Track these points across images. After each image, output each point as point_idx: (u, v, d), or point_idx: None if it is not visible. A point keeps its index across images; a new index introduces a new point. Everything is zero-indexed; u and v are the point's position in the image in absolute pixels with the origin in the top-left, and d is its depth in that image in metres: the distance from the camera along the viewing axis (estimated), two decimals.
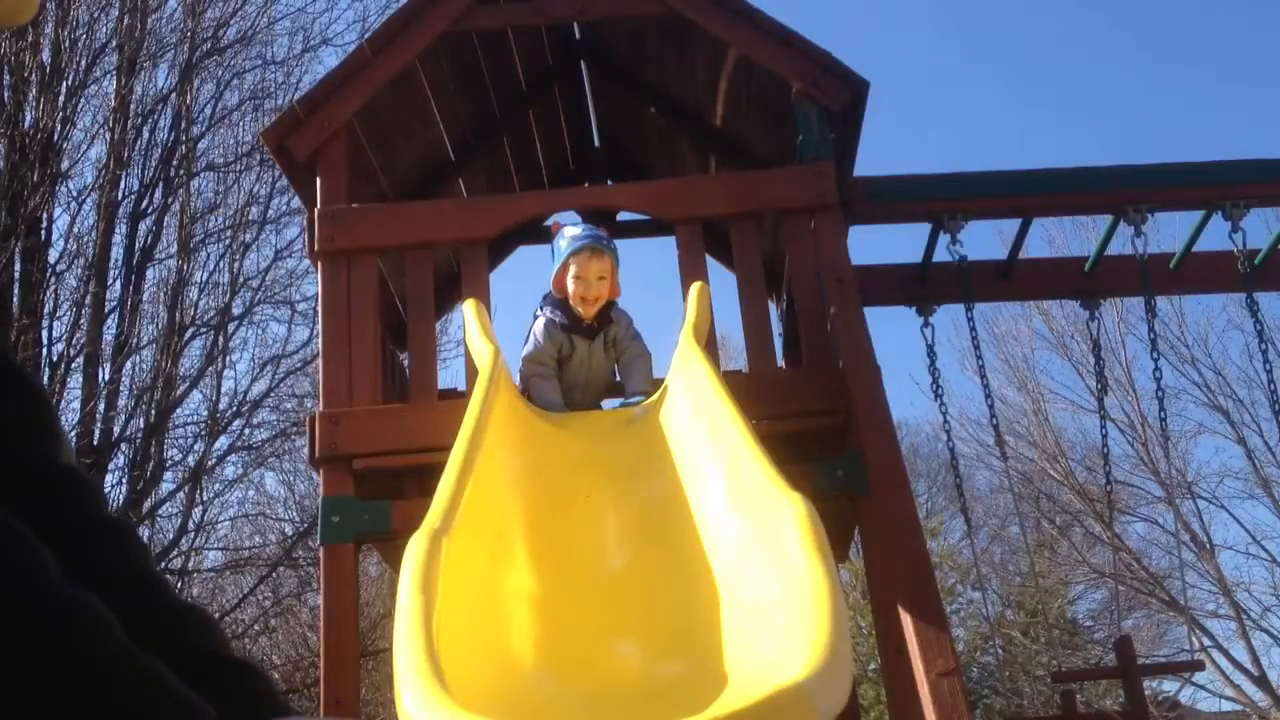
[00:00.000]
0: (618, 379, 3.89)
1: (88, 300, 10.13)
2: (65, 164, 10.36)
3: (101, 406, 9.70)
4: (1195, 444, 14.62)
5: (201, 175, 11.37)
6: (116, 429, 9.98)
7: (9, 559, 0.64)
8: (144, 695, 0.65)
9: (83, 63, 10.53)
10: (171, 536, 10.31)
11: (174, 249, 10.91)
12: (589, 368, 3.74)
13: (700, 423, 2.79)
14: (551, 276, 3.74)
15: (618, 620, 2.12)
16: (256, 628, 12.07)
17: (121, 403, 10.18)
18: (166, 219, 11.05)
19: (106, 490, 9.69)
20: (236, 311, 10.89)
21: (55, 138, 10.20)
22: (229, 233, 11.07)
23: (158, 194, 10.95)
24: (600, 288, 3.66)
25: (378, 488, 3.81)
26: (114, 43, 10.81)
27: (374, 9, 15.04)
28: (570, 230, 3.79)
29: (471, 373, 3.68)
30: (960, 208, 4.31)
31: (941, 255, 4.40)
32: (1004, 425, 10.95)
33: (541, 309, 3.75)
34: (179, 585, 10.26)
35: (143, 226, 10.85)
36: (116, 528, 0.87)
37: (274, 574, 11.58)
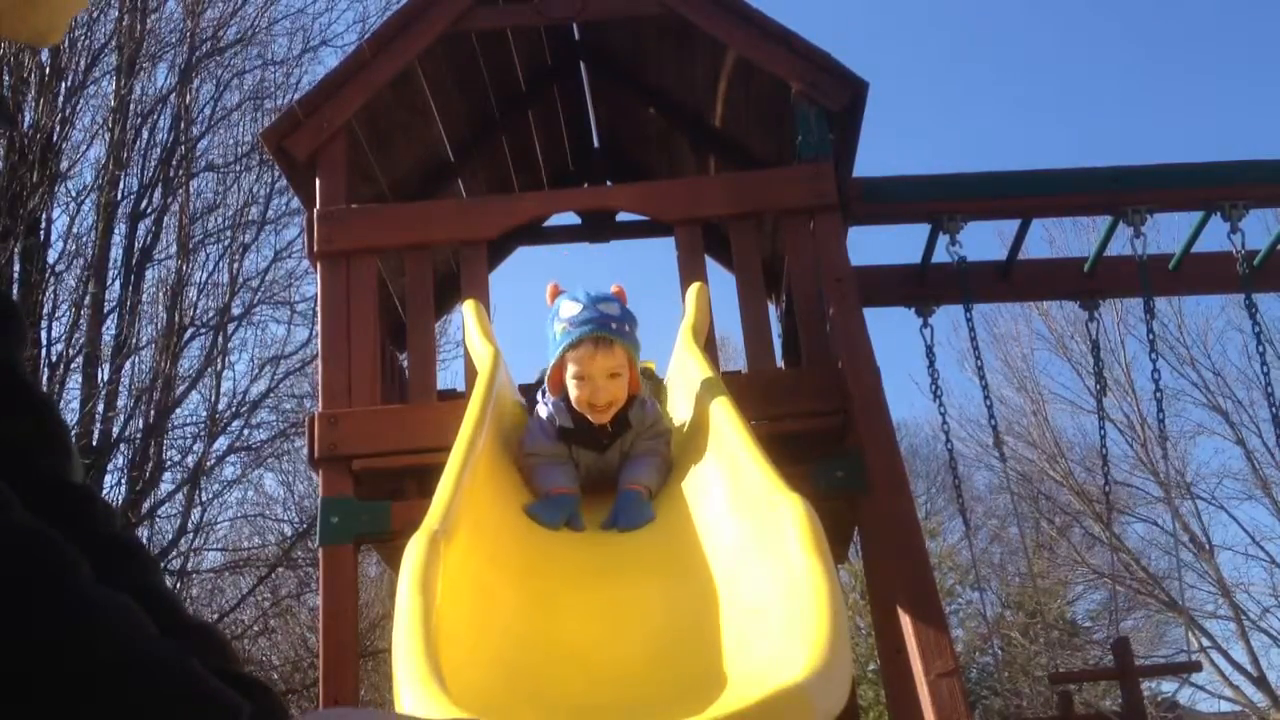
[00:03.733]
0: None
1: (87, 301, 10.14)
2: (64, 164, 10.37)
3: (100, 407, 9.70)
4: (1194, 445, 14.68)
5: (201, 175, 11.40)
6: (116, 429, 9.98)
7: (41, 559, 0.65)
8: (179, 691, 0.66)
9: (82, 63, 10.54)
10: (170, 537, 10.32)
11: (173, 249, 10.93)
12: (595, 474, 2.89)
13: (699, 423, 2.79)
14: (547, 368, 2.85)
15: (617, 621, 2.12)
16: (256, 628, 12.07)
17: (121, 403, 10.20)
18: (166, 219, 11.08)
19: (106, 491, 9.70)
20: (236, 312, 10.91)
21: (54, 138, 10.20)
22: (228, 233, 11.09)
23: (157, 194, 10.97)
24: (613, 388, 2.74)
25: (377, 488, 3.81)
26: (113, 43, 10.82)
27: (374, 9, 15.05)
28: (568, 307, 2.78)
29: (471, 373, 3.68)
30: (959, 208, 4.31)
31: (941, 256, 4.41)
32: (1003, 426, 10.96)
33: (542, 398, 2.91)
34: (178, 586, 10.26)
35: (142, 227, 10.87)
36: (128, 546, 0.88)
37: (273, 575, 11.59)
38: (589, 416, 2.77)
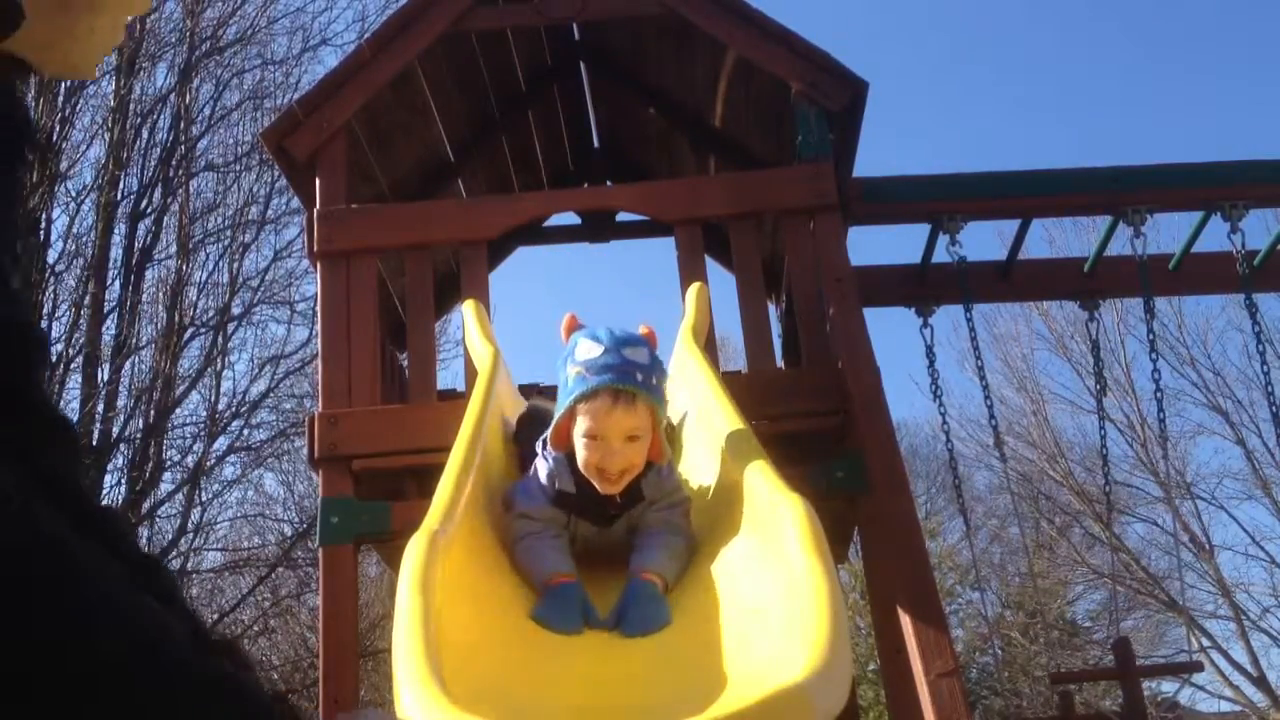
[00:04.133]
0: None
1: (87, 301, 10.15)
2: (64, 164, 10.37)
3: (100, 407, 9.70)
4: (1194, 445, 14.69)
5: (201, 175, 11.41)
6: (115, 429, 9.98)
7: (85, 573, 0.67)
8: (219, 695, 0.67)
9: None
10: (170, 537, 10.33)
11: (173, 249, 10.95)
12: (596, 551, 2.38)
13: (699, 424, 2.79)
14: (553, 419, 2.31)
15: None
16: (256, 628, 12.07)
17: (120, 403, 10.21)
18: (166, 219, 11.09)
19: (106, 490, 9.70)
20: (236, 312, 10.92)
21: (54, 138, 10.20)
22: (228, 233, 11.11)
23: (157, 194, 10.98)
24: (630, 454, 2.23)
25: (377, 488, 3.81)
26: None
27: (373, 9, 15.08)
28: (586, 348, 2.25)
29: (471, 373, 3.68)
30: (959, 208, 4.32)
31: (941, 256, 4.42)
32: (1003, 426, 10.97)
33: (542, 451, 2.39)
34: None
35: (142, 227, 10.88)
36: (149, 565, 0.90)
37: (273, 574, 11.60)
38: (595, 484, 2.26)
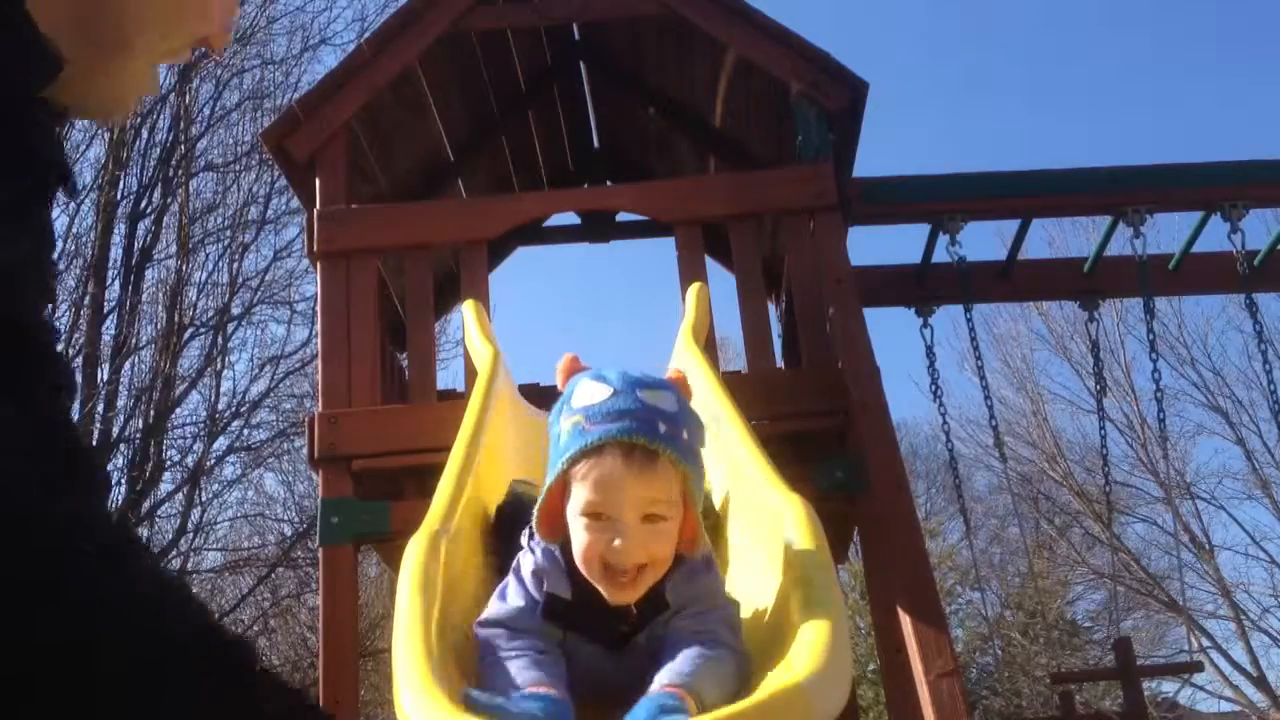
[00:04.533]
0: None
1: (86, 301, 10.15)
2: None
3: (100, 407, 9.70)
4: (1194, 445, 14.72)
5: (200, 175, 11.41)
6: (115, 429, 9.98)
7: (140, 569, 0.72)
8: (242, 690, 0.71)
9: None
10: (170, 537, 10.32)
11: (173, 249, 10.95)
12: (603, 686, 1.60)
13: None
14: (542, 491, 1.60)
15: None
16: (256, 628, 12.07)
17: (120, 403, 10.22)
18: (165, 219, 11.09)
19: None
20: (235, 312, 10.92)
21: None
22: (228, 233, 11.11)
23: (156, 194, 10.98)
24: (652, 543, 1.52)
25: (377, 489, 3.81)
26: None
27: (373, 8, 15.09)
28: (587, 391, 1.58)
29: (471, 373, 3.68)
30: (959, 208, 4.32)
31: (941, 256, 4.42)
32: (1003, 426, 10.97)
33: (529, 542, 1.66)
34: None
35: (141, 227, 10.88)
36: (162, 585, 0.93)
37: (273, 575, 11.60)
38: (602, 590, 1.54)
